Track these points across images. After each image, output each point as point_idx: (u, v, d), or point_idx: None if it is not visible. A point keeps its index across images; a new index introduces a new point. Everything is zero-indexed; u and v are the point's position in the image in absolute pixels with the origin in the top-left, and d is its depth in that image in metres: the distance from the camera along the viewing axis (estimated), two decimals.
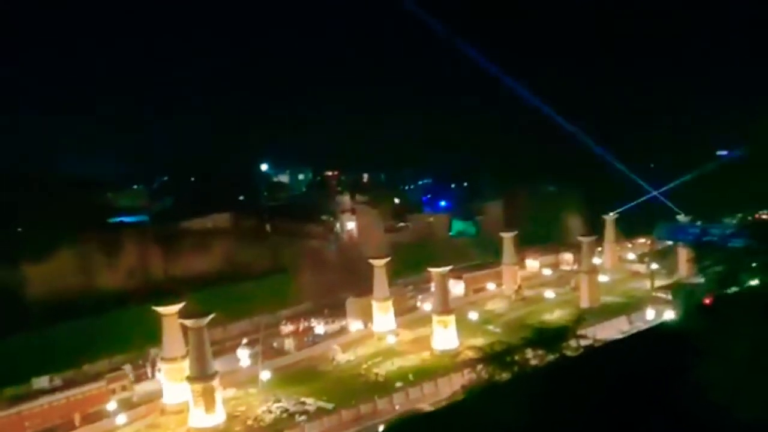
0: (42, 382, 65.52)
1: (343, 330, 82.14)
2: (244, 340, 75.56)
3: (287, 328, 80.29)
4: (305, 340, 78.19)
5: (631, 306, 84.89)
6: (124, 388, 64.25)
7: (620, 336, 66.99)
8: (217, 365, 63.21)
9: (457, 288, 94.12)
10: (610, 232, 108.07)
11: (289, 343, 76.71)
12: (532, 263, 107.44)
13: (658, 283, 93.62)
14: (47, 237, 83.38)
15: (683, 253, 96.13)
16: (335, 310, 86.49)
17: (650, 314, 78.19)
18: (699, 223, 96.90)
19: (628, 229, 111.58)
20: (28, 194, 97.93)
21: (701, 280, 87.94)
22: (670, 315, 73.63)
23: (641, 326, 71.71)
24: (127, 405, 62.11)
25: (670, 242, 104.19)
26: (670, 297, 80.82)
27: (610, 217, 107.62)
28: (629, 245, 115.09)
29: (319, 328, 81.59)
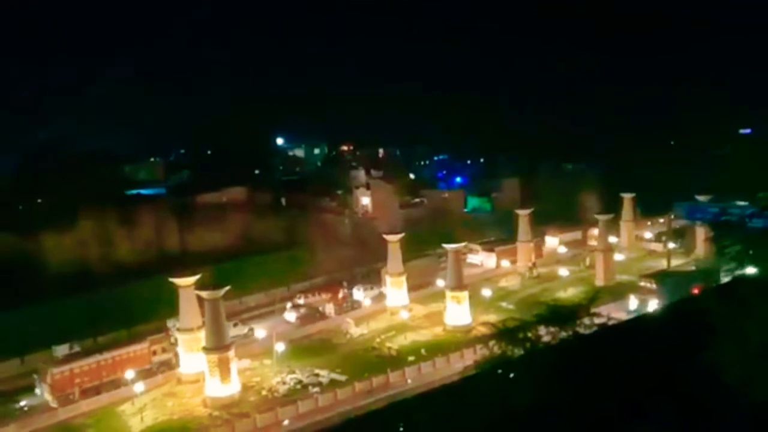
0: (62, 350, 67.03)
1: (381, 296, 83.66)
2: (288, 304, 79.57)
3: (321, 297, 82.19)
4: (344, 306, 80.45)
5: None
6: (164, 350, 65.99)
7: (633, 315, 66.91)
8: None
9: (489, 261, 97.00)
10: (627, 210, 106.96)
11: (330, 308, 79.05)
12: (552, 240, 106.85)
13: (675, 262, 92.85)
14: (66, 209, 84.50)
15: (701, 233, 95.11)
16: (351, 283, 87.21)
17: (633, 304, 73.34)
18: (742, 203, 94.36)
19: (646, 208, 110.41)
20: (48, 167, 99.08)
21: (692, 267, 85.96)
22: (654, 305, 69.99)
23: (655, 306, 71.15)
24: (167, 366, 64.74)
25: (687, 221, 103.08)
26: (654, 286, 75.80)
27: (628, 195, 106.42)
28: (648, 223, 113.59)
29: (358, 294, 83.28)
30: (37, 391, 60.20)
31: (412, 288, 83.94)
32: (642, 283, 78.72)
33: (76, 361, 61.39)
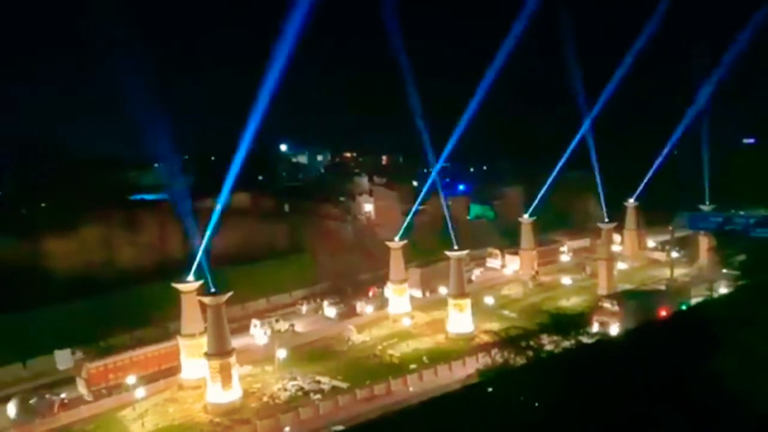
0: (64, 355, 67.08)
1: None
2: (326, 302, 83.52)
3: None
4: (376, 304, 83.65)
5: None
6: None
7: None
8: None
9: (513, 264, 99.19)
10: (630, 219, 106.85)
11: (361, 306, 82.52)
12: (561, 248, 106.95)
13: (678, 271, 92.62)
14: (70, 213, 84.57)
15: (704, 242, 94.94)
16: (356, 289, 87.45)
17: (594, 327, 63.08)
18: (737, 212, 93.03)
19: (649, 217, 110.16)
20: (53, 171, 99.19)
21: (661, 287, 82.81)
22: (615, 330, 62.26)
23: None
24: None
25: (690, 230, 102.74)
26: (616, 308, 68.82)
27: (631, 204, 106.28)
28: (665, 230, 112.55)
29: (388, 292, 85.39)
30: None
31: (432, 290, 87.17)
32: (602, 304, 71.62)
33: (110, 356, 63.25)
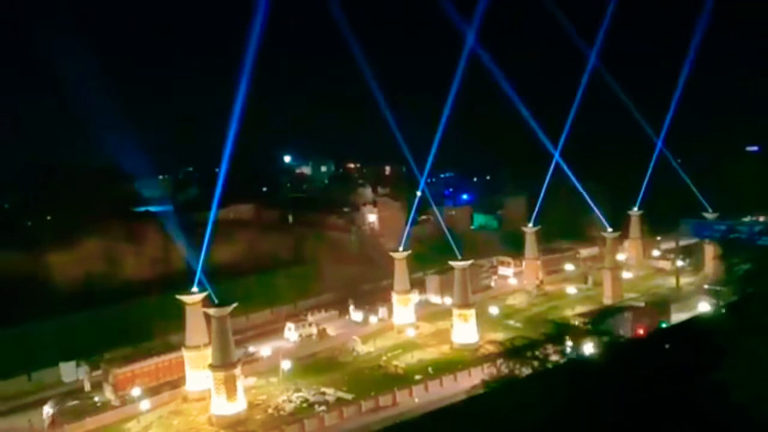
0: (69, 367, 67.07)
1: (426, 302, 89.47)
2: (352, 306, 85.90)
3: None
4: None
5: None
6: None
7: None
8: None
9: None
10: (635, 228, 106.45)
11: (383, 311, 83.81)
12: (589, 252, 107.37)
13: (684, 280, 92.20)
14: (74, 226, 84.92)
15: (709, 250, 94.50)
16: (359, 300, 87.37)
17: (568, 347, 62.55)
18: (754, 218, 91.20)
19: (654, 225, 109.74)
20: (58, 184, 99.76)
21: (640, 304, 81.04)
22: (590, 350, 61.25)
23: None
24: None
25: (695, 239, 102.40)
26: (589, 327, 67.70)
27: (635, 212, 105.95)
28: (671, 238, 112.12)
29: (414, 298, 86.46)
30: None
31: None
32: (575, 323, 66.03)
33: (137, 362, 64.23)
